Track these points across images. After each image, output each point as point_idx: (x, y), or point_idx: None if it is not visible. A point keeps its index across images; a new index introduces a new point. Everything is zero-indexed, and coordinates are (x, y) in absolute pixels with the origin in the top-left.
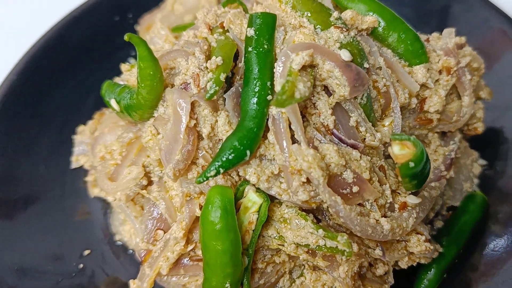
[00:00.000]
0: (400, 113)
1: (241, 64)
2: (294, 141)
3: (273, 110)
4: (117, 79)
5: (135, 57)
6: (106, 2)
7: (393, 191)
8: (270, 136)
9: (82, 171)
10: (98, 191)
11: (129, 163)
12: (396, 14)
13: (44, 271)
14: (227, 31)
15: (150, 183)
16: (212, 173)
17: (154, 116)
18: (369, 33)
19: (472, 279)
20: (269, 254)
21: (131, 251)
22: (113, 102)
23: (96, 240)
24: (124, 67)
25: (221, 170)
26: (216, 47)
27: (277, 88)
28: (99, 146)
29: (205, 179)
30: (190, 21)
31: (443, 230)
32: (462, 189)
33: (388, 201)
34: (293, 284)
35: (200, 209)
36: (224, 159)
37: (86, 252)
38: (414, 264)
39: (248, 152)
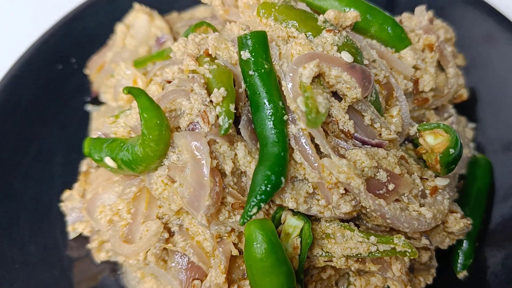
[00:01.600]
0: (405, 100)
1: (241, 90)
2: (319, 155)
3: (293, 129)
4: (95, 133)
5: (92, 103)
6: (45, 52)
7: (420, 178)
8: (297, 156)
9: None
10: (104, 255)
11: (143, 219)
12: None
13: None
14: (216, 58)
15: (172, 234)
16: (255, 210)
17: (162, 165)
18: (351, 29)
19: (500, 240)
20: (315, 273)
21: None
22: (108, 160)
23: None
24: (108, 120)
25: (262, 205)
26: (212, 78)
27: (301, 108)
28: (98, 209)
29: (248, 218)
30: (146, 53)
31: (460, 201)
32: (463, 156)
33: (420, 189)
34: None
35: (236, 247)
36: (261, 192)
37: None
38: (453, 242)
39: (283, 179)
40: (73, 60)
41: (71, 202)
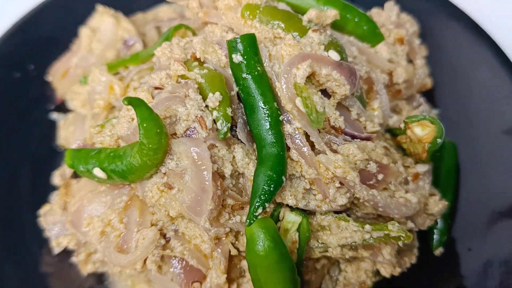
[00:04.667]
0: (385, 93)
1: (233, 93)
2: (314, 151)
3: (289, 129)
4: (76, 143)
5: (57, 110)
6: None
7: (404, 166)
8: (293, 154)
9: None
10: (91, 267)
11: (137, 228)
12: None
13: None
14: (204, 62)
15: (168, 240)
16: (260, 210)
17: (158, 172)
18: (330, 27)
19: (471, 215)
20: (310, 264)
21: None
22: (97, 171)
23: None
24: (94, 129)
25: (267, 205)
26: (205, 83)
27: (301, 109)
28: (86, 221)
29: (254, 219)
30: (114, 57)
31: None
32: None
33: (403, 176)
34: (338, 281)
35: (234, 246)
36: (265, 192)
37: None
38: (433, 223)
39: (284, 178)
40: (32, 67)
41: (52, 216)
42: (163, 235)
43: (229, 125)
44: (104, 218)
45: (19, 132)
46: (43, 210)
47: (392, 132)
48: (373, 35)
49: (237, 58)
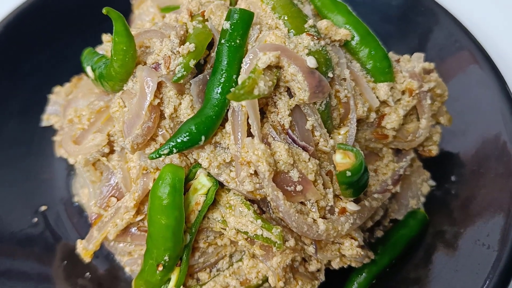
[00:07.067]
0: (355, 124)
1: (213, 54)
2: (250, 134)
3: (234, 103)
4: (98, 48)
5: None
6: None
7: (336, 196)
8: (228, 126)
9: (51, 132)
10: (63, 152)
11: (95, 130)
12: (376, 31)
13: None
14: (207, 20)
15: (112, 152)
16: (165, 151)
17: (123, 89)
18: (342, 45)
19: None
20: (212, 236)
21: (86, 213)
22: (88, 70)
23: (54, 198)
24: (105, 37)
25: (174, 150)
26: (192, 34)
27: (239, 82)
28: (70, 109)
29: (157, 156)
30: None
31: (381, 240)
32: (407, 205)
33: (330, 204)
34: (231, 267)
35: None
36: (179, 140)
37: (43, 208)
38: (345, 266)
39: (203, 138)
40: None
41: (57, 96)
42: (111, 147)
43: (185, 73)
44: (78, 111)
45: (87, 34)
46: (56, 89)
47: None
48: (382, 72)
49: (226, 25)
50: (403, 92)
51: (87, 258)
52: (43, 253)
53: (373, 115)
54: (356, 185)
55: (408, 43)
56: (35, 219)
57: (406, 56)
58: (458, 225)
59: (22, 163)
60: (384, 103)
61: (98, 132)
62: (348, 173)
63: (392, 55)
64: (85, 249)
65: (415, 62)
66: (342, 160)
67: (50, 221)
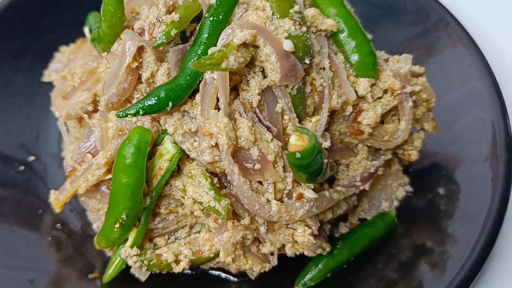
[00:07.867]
0: (327, 114)
1: (198, 27)
2: (218, 109)
3: (207, 75)
4: None
5: None
6: None
7: (296, 182)
8: (197, 97)
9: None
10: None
11: (84, 89)
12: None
13: None
14: None
15: (96, 110)
16: (132, 111)
17: (111, 51)
18: (328, 35)
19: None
20: (174, 204)
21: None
22: (86, 30)
23: (45, 150)
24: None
25: (141, 112)
26: (181, 6)
27: (208, 53)
28: (67, 68)
29: (124, 115)
30: None
31: (345, 236)
32: (379, 206)
33: (288, 188)
34: (188, 237)
35: None
36: (146, 103)
37: (31, 158)
38: (297, 252)
39: (170, 104)
40: None
41: (61, 55)
42: (95, 105)
43: (165, 40)
44: (72, 69)
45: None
46: (62, 48)
47: None
48: (365, 68)
49: (213, 0)
50: (385, 91)
51: (57, 209)
52: (21, 199)
53: (349, 109)
54: (306, 169)
55: (417, 49)
56: (22, 167)
57: (396, 57)
58: (428, 238)
59: (20, 113)
60: (363, 98)
61: (86, 90)
62: (298, 155)
63: (382, 54)
64: (56, 199)
65: (402, 63)
66: (296, 142)
67: (36, 172)
